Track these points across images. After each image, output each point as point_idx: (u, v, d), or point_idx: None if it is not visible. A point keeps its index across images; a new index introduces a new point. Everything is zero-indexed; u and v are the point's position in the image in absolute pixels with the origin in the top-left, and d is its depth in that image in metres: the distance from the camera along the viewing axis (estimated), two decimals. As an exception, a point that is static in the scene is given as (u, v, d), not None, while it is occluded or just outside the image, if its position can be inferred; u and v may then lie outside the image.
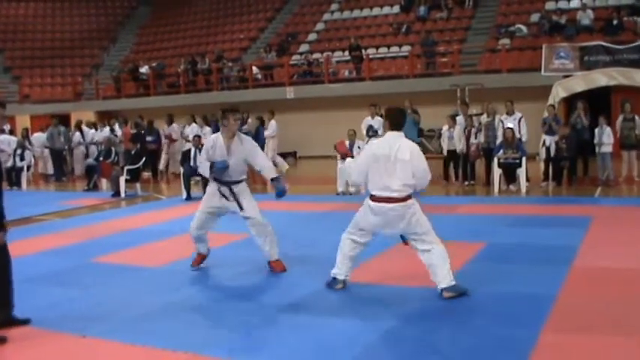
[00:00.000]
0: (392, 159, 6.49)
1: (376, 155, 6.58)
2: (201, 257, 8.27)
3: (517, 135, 15.33)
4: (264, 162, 8.08)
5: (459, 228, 10.38)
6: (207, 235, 8.20)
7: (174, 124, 22.70)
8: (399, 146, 6.53)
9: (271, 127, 22.24)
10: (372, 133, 17.55)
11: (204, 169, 8.03)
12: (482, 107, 18.22)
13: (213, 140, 7.96)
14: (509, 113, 15.97)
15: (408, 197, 6.56)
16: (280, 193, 7.90)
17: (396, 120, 6.82)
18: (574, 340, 5.34)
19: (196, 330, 6.04)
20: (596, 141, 15.27)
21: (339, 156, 6.21)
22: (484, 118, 16.40)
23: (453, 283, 6.53)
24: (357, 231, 6.88)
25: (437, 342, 5.45)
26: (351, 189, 14.80)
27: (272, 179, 7.96)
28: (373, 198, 6.63)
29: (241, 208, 7.81)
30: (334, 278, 7.02)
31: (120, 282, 7.91)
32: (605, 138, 15.16)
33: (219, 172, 7.81)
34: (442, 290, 6.50)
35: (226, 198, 7.89)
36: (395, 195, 6.49)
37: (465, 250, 8.66)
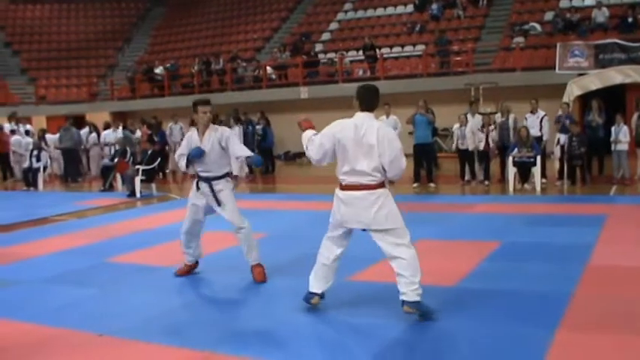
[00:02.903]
0: (358, 142, 5.86)
1: (340, 138, 5.93)
2: (189, 268, 8.04)
3: (538, 133, 15.33)
4: (240, 147, 7.68)
5: (475, 227, 10.38)
6: (200, 240, 8.00)
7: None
8: (366, 128, 5.88)
9: None
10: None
11: (181, 162, 7.75)
12: (495, 106, 18.19)
13: (190, 134, 7.79)
14: (534, 111, 15.96)
15: (380, 185, 5.90)
16: (256, 162, 7.81)
17: (366, 99, 6.08)
18: (589, 338, 5.33)
19: (212, 329, 6.06)
20: (612, 139, 15.20)
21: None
22: (498, 117, 16.39)
23: (418, 299, 5.84)
24: (331, 234, 6.27)
25: (453, 340, 5.45)
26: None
27: (247, 157, 7.63)
28: (341, 185, 6.02)
29: (219, 204, 7.57)
30: (310, 292, 6.42)
31: (135, 281, 7.95)
32: (622, 136, 15.10)
33: (196, 160, 7.57)
34: (402, 303, 5.88)
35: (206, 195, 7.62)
36: (364, 181, 5.86)
37: (481, 248, 8.65)
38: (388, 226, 5.87)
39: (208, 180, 7.60)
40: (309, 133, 6.26)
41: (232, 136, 7.70)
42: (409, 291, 5.81)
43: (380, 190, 5.87)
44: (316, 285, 6.35)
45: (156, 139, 21.28)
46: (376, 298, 6.63)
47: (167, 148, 22.76)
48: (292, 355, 5.32)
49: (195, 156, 7.54)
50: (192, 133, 7.74)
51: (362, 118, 5.99)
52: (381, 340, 5.49)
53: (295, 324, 6.06)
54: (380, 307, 6.27)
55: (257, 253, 7.68)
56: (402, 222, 5.95)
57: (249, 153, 7.68)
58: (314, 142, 6.12)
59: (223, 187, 7.61)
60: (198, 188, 7.68)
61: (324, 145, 6.03)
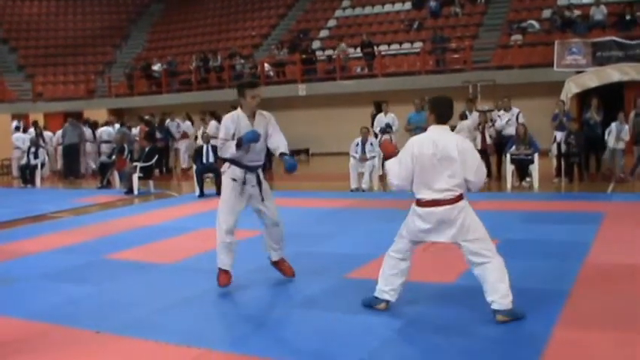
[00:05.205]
0: (438, 157, 5.67)
1: (419, 155, 5.73)
2: (229, 275, 7.18)
3: (513, 132, 15.37)
4: (281, 138, 7.10)
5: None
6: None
7: (187, 122, 22.87)
8: (445, 143, 5.71)
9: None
10: (388, 129, 17.62)
11: (228, 148, 6.93)
12: (494, 103, 18.21)
13: (236, 116, 7.00)
14: (507, 109, 16.07)
15: (459, 198, 5.77)
16: (291, 167, 6.94)
17: (442, 111, 5.92)
18: (587, 336, 5.33)
19: (210, 326, 6.08)
20: (610, 134, 15.14)
21: (383, 155, 5.62)
22: (495, 114, 16.48)
23: (510, 307, 5.67)
24: (403, 241, 6.04)
25: (451, 336, 5.44)
26: (364, 185, 14.83)
27: (281, 153, 7.05)
28: (419, 202, 5.83)
29: (263, 199, 7.08)
30: (375, 297, 6.19)
31: (133, 279, 7.94)
32: (624, 134, 15.11)
33: (249, 143, 6.86)
34: (495, 312, 5.70)
35: (250, 185, 7.01)
36: (444, 196, 5.70)
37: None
38: (472, 237, 5.77)
39: (256, 170, 7.08)
40: (390, 161, 6.03)
41: (276, 125, 7.20)
42: (498, 299, 5.68)
43: (461, 204, 5.76)
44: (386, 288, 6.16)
45: (159, 135, 21.39)
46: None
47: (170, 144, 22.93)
48: (291, 352, 5.31)
49: (252, 140, 6.87)
50: (239, 117, 7.02)
51: (438, 132, 5.85)
52: (376, 337, 5.50)
53: (294, 321, 6.08)
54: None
55: (283, 249, 7.39)
56: (485, 231, 5.87)
57: (286, 150, 7.11)
58: (394, 166, 5.95)
59: (264, 179, 7.15)
60: (244, 182, 7.02)
61: (407, 165, 5.82)
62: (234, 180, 7.03)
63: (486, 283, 5.74)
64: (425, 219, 5.79)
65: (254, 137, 6.87)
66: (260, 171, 7.16)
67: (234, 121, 6.99)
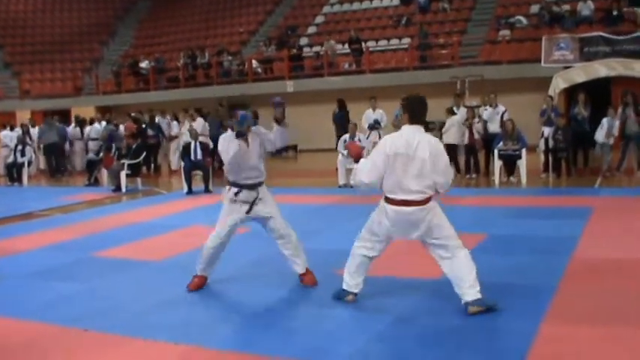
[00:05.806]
0: (410, 157, 5.68)
1: (392, 154, 5.71)
2: (204, 280, 7.24)
3: (498, 129, 15.42)
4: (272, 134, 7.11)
5: (460, 219, 10.29)
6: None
7: (174, 122, 22.78)
8: (418, 142, 5.70)
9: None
10: (377, 125, 17.65)
11: (230, 150, 6.87)
12: (482, 99, 18.25)
13: (229, 138, 6.94)
14: (492, 106, 16.11)
15: (429, 199, 5.82)
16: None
17: (415, 111, 5.90)
18: (575, 331, 5.34)
19: (199, 322, 6.06)
20: (605, 131, 15.14)
21: (352, 159, 5.60)
22: (481, 110, 16.53)
23: (479, 296, 5.75)
24: (370, 237, 6.10)
25: (438, 333, 5.46)
26: (352, 181, 14.81)
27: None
28: (389, 200, 5.85)
29: (268, 214, 7.04)
30: (343, 290, 6.30)
31: (122, 276, 7.91)
32: (615, 129, 15.16)
33: (243, 124, 6.82)
34: (466, 305, 5.76)
35: (250, 204, 6.96)
36: (414, 197, 5.74)
37: (466, 241, 8.51)
38: (438, 234, 5.89)
39: (255, 187, 6.99)
40: (362, 161, 6.03)
41: (266, 131, 7.15)
42: (467, 291, 5.76)
43: (430, 205, 5.84)
44: (352, 283, 6.28)
45: (152, 132, 21.29)
46: (364, 291, 6.61)
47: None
48: (280, 348, 5.31)
49: (243, 119, 6.82)
50: (231, 138, 6.93)
51: (412, 132, 5.82)
52: (365, 332, 5.51)
53: (284, 316, 6.07)
54: (366, 301, 6.27)
55: (304, 258, 7.20)
56: (451, 228, 5.97)
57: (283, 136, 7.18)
58: (366, 165, 5.94)
59: (266, 192, 7.09)
60: (235, 200, 6.97)
61: (378, 164, 5.82)
62: (232, 201, 7.01)
63: (455, 278, 5.85)
64: (393, 218, 5.86)
65: (245, 117, 6.85)
66: (261, 188, 7.05)
67: (227, 144, 6.92)
